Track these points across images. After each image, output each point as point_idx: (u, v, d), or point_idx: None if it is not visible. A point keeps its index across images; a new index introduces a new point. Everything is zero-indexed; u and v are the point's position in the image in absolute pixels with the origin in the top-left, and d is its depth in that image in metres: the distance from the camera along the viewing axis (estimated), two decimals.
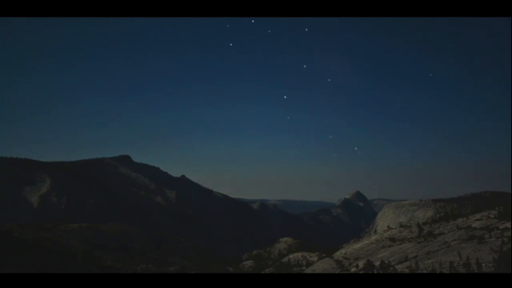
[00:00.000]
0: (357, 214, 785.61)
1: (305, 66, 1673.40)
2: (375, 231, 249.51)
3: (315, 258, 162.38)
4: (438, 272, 75.11)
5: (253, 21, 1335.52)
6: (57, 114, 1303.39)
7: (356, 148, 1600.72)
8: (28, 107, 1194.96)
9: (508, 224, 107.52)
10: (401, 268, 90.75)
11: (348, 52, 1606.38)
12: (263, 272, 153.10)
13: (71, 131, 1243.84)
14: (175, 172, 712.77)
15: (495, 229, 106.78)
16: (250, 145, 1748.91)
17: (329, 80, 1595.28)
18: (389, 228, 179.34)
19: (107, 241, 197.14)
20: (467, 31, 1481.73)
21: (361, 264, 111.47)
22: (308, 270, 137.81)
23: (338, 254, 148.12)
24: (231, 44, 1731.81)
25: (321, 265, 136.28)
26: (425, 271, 79.31)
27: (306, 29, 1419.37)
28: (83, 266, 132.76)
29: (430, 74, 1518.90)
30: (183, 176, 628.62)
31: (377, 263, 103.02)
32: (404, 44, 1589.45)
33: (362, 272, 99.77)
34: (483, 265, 72.99)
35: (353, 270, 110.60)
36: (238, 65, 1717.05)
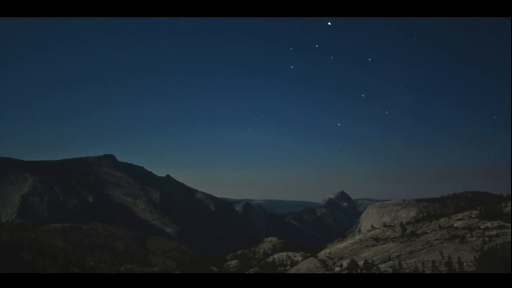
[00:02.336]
0: (342, 214, 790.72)
1: (363, 95, 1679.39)
2: (359, 231, 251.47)
3: (300, 258, 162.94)
4: (420, 271, 75.88)
5: (317, 45, 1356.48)
6: (38, 110, 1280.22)
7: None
8: (7, 103, 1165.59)
9: (488, 224, 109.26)
10: (384, 267, 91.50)
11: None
12: (247, 272, 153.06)
13: (53, 128, 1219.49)
14: (160, 172, 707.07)
15: (476, 228, 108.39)
16: (236, 146, 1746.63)
17: (386, 112, 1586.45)
18: (373, 227, 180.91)
19: (90, 242, 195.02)
20: (467, 31, 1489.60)
21: (345, 263, 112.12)
22: (293, 270, 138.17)
23: (323, 254, 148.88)
24: (291, 67, 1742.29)
25: (306, 265, 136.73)
26: (407, 270, 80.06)
27: (369, 59, 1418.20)
28: (64, 267, 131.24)
29: (422, 72, 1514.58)
30: (167, 176, 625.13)
31: (361, 263, 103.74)
32: (404, 43, 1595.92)
33: (346, 271, 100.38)
34: (465, 264, 73.94)
35: (337, 269, 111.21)
36: (296, 83, 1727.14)
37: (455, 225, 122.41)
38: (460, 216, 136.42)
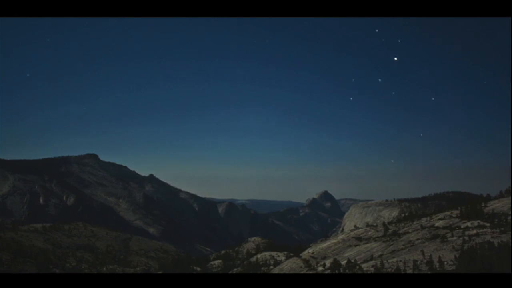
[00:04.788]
0: (325, 213, 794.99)
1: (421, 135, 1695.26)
2: (342, 231, 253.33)
3: (283, 258, 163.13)
4: (402, 270, 76.68)
5: (380, 79, 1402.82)
6: (18, 106, 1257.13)
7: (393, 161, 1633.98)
8: None
9: (469, 223, 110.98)
10: (366, 266, 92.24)
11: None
12: (231, 272, 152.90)
13: (35, 126, 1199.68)
14: (144, 171, 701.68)
15: (457, 228, 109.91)
16: (221, 145, 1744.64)
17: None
18: (355, 227, 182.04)
19: (72, 242, 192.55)
20: (467, 31, 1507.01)
21: (328, 263, 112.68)
22: (276, 270, 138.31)
23: (306, 253, 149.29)
24: (351, 98, 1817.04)
25: (289, 265, 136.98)
26: (389, 270, 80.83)
27: (433, 98, 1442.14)
28: (45, 267, 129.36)
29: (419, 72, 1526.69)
30: (151, 176, 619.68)
31: (343, 262, 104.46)
32: (403, 43, 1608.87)
33: (329, 271, 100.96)
34: (445, 263, 74.97)
35: (320, 269, 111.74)
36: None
37: (436, 224, 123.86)
38: (441, 216, 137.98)
